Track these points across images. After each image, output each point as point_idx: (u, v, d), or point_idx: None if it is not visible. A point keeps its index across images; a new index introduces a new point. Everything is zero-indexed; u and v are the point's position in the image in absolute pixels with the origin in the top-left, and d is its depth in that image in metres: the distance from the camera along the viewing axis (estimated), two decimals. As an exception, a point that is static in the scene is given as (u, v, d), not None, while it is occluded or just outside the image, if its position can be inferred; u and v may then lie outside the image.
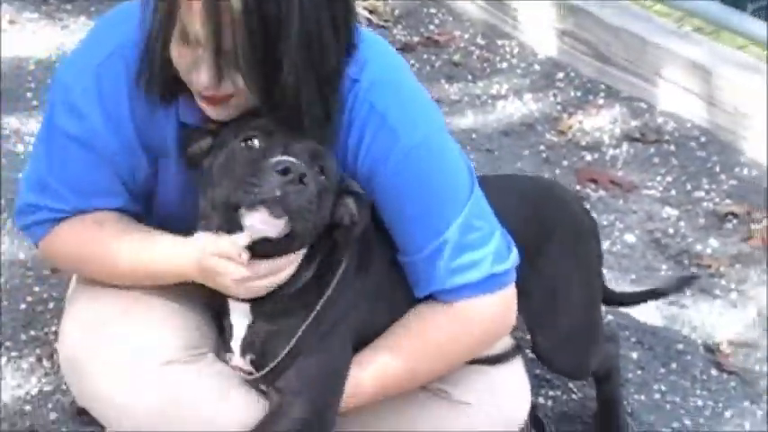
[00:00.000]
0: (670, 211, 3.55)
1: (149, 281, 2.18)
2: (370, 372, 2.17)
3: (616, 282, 3.19)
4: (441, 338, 2.20)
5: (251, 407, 2.21)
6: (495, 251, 2.17)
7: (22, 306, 2.80)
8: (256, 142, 1.96)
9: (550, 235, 2.38)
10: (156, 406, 2.20)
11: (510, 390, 2.42)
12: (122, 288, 2.23)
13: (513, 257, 2.20)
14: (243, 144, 1.96)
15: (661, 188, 3.66)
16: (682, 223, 3.49)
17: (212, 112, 2.06)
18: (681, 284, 2.88)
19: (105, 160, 2.15)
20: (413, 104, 2.16)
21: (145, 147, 2.17)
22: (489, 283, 2.18)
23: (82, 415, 2.44)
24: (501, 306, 2.23)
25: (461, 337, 2.22)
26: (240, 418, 2.20)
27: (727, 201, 3.59)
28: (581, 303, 2.46)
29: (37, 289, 2.84)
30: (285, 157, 1.89)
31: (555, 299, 2.41)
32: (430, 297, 2.20)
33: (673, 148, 3.85)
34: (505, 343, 2.46)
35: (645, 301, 2.86)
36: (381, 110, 2.11)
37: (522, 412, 2.46)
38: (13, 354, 2.65)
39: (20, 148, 3.36)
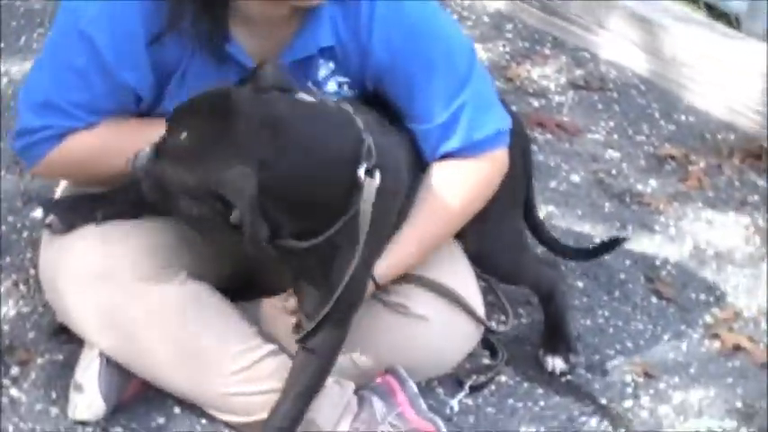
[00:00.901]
0: (613, 154, 3.71)
1: None
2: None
3: (563, 217, 3.36)
4: (460, 190, 2.42)
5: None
6: (499, 111, 2.44)
7: (-6, 234, 2.91)
8: None
9: None
10: (129, 321, 2.33)
11: (467, 315, 2.58)
12: None
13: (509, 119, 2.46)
14: None
15: (605, 132, 3.82)
16: (624, 165, 3.66)
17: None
18: (607, 247, 3.04)
19: (114, 82, 2.25)
20: None
21: (155, 66, 2.26)
22: (499, 139, 2.43)
23: (59, 334, 2.55)
24: (505, 160, 2.48)
25: (485, 182, 2.45)
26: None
27: (667, 145, 3.77)
28: (505, 210, 2.63)
29: (11, 219, 2.93)
30: None
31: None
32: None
33: (615, 95, 4.01)
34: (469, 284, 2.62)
35: (584, 257, 3.06)
36: None
37: (478, 330, 2.62)
38: (-11, 279, 2.76)
39: None
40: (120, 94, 2.29)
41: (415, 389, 2.44)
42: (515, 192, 2.70)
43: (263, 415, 2.34)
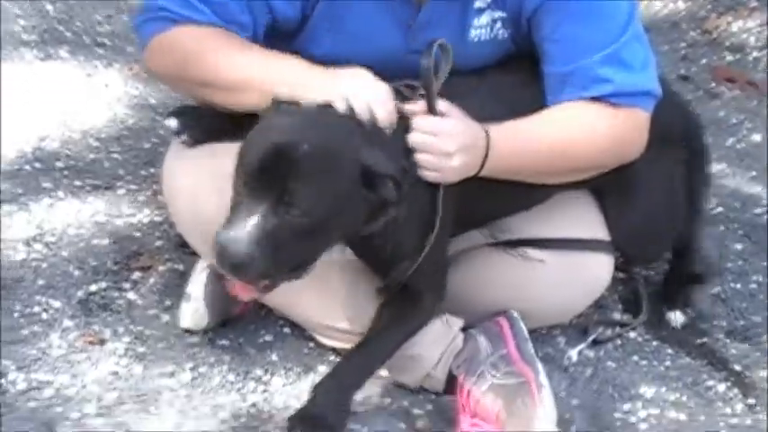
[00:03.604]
0: (805, 114, 3.46)
1: (256, 97, 2.16)
2: (508, 134, 2.22)
3: (733, 176, 3.17)
4: (589, 127, 2.28)
5: None
6: (649, 76, 2.29)
7: (146, 145, 2.98)
8: (243, 191, 2.00)
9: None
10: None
11: (590, 259, 2.46)
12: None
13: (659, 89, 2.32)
14: (238, 180, 2.01)
15: (800, 93, 3.57)
16: (815, 126, 3.41)
17: None
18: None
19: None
20: None
21: None
22: (643, 100, 2.29)
23: (185, 245, 2.59)
24: (645, 124, 2.32)
25: (617, 134, 2.29)
26: None
27: None
28: (660, 201, 2.50)
29: (162, 132, 3.01)
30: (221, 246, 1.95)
31: (633, 193, 2.46)
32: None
33: (820, 54, 3.74)
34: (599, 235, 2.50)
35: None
36: None
37: (600, 281, 2.49)
38: (132, 187, 2.84)
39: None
40: (255, 5, 2.25)
41: (525, 333, 2.35)
42: (673, 180, 2.55)
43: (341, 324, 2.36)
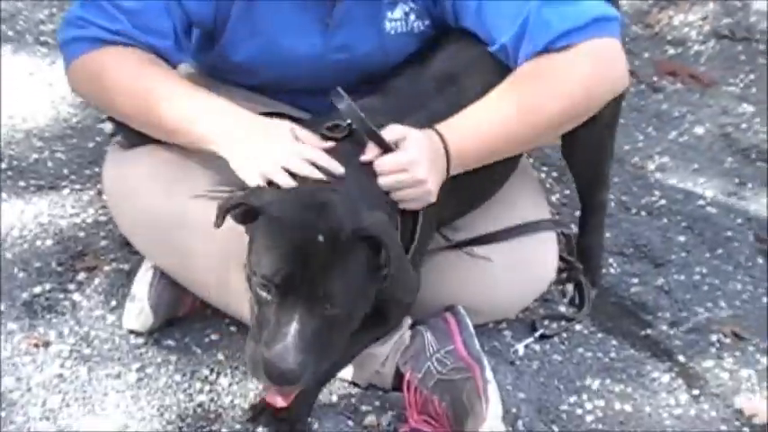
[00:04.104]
0: (747, 108, 3.50)
1: (172, 137, 2.21)
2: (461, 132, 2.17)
3: (677, 170, 3.19)
4: (552, 81, 2.18)
5: None
6: (586, 4, 2.19)
7: (90, 144, 2.96)
8: (270, 297, 1.93)
9: None
10: (177, 240, 2.31)
11: (535, 254, 2.47)
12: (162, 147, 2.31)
13: (616, 11, 2.23)
14: (262, 287, 1.94)
15: (742, 85, 3.61)
16: (757, 120, 3.45)
17: None
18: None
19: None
20: None
21: None
22: (600, 26, 2.17)
23: (130, 245, 2.56)
24: (609, 50, 2.21)
25: (570, 74, 2.19)
26: None
27: (809, 100, 3.53)
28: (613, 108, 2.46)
29: (107, 131, 2.98)
30: (275, 361, 1.89)
31: None
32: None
33: (762, 47, 3.78)
34: (541, 214, 2.52)
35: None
36: None
37: (546, 276, 2.51)
38: (76, 186, 2.81)
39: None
40: (174, 13, 2.24)
41: (472, 329, 2.35)
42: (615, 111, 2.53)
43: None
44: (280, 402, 2.03)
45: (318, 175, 2.04)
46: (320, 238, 1.91)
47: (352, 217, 1.95)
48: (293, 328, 1.90)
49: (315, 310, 1.91)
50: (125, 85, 2.21)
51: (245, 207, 1.99)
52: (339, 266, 1.92)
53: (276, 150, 2.07)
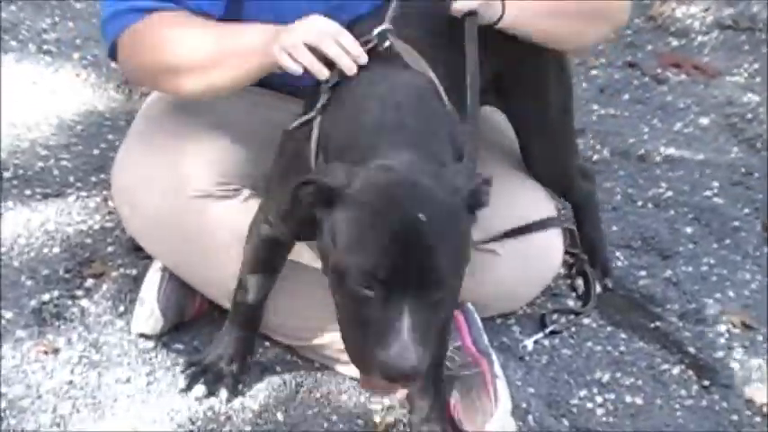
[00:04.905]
0: (752, 98, 3.49)
1: (232, 59, 2.12)
2: None
3: (683, 161, 3.19)
4: None
5: None
6: None
7: (96, 152, 2.96)
8: (373, 294, 1.73)
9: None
10: (185, 239, 2.33)
11: (540, 246, 2.48)
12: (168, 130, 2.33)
13: None
14: (360, 285, 1.73)
15: (746, 75, 3.60)
16: (762, 109, 3.44)
17: None
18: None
19: None
20: None
21: None
22: None
23: (138, 250, 2.57)
24: None
25: None
26: None
27: (814, 89, 3.52)
28: (562, 115, 2.49)
29: (110, 137, 3.00)
30: (396, 358, 1.70)
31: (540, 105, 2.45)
32: None
33: (765, 36, 3.77)
34: (547, 212, 2.52)
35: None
36: None
37: (551, 268, 2.51)
38: (83, 193, 2.81)
39: None
40: None
41: (480, 324, 2.36)
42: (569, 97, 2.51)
43: (327, 339, 2.32)
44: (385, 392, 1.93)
45: (346, 61, 1.95)
46: (421, 216, 1.71)
47: (446, 181, 1.76)
48: (406, 322, 1.70)
49: (424, 298, 1.72)
50: (172, 34, 2.16)
51: (318, 186, 1.78)
52: (447, 244, 1.72)
53: (311, 27, 2.01)
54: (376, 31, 2.01)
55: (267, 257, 2.25)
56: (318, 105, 1.98)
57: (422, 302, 1.71)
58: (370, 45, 2.00)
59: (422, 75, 2.00)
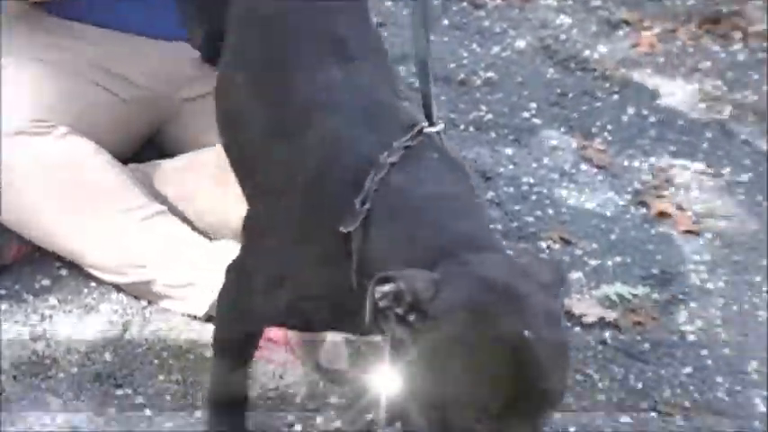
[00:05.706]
0: (564, 20, 3.58)
1: None
2: None
3: (502, 84, 3.25)
4: None
5: None
6: None
7: None
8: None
9: None
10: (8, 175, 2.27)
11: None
12: None
13: None
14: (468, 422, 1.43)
15: (559, -3, 3.69)
16: (574, 31, 3.53)
17: None
18: None
19: None
20: None
21: None
22: None
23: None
24: None
25: None
26: None
27: (622, 8, 3.62)
28: None
29: None
30: None
31: None
32: None
33: (575, -40, 3.85)
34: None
35: None
36: None
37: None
38: None
39: None
40: None
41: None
42: None
43: (151, 275, 2.29)
44: None
45: None
46: (526, 333, 1.43)
47: (535, 278, 1.50)
48: None
49: (537, 422, 1.46)
50: None
51: (400, 292, 1.46)
52: (556, 358, 1.46)
53: None
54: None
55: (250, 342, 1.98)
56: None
57: (535, 425, 1.46)
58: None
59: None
